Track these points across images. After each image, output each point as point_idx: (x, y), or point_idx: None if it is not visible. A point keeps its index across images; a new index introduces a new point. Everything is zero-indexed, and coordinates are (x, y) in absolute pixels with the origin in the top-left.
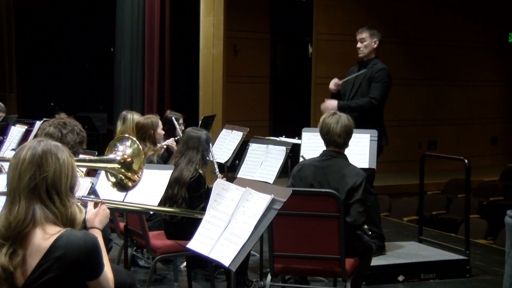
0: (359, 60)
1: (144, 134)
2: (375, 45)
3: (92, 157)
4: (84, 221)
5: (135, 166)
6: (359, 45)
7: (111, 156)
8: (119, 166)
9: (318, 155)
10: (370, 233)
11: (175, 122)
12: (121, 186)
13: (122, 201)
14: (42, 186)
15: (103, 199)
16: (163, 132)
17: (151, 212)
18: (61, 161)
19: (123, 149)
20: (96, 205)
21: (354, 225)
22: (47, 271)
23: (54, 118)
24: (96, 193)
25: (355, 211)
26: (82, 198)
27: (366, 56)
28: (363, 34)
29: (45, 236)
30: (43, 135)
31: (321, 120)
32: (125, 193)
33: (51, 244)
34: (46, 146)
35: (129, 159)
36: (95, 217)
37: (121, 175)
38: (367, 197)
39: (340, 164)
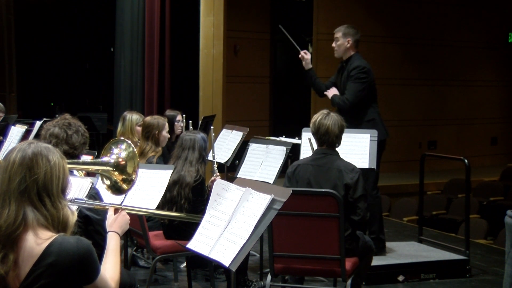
0: (340, 60)
1: (148, 133)
2: (348, 45)
3: (86, 160)
4: (76, 224)
5: (129, 169)
6: (333, 44)
7: (105, 159)
8: (113, 169)
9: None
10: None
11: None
12: (116, 189)
13: (141, 207)
14: (32, 189)
15: (123, 205)
16: (168, 136)
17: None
18: (52, 163)
19: (118, 152)
20: (116, 211)
21: (362, 222)
22: (40, 277)
23: (58, 119)
24: (100, 197)
25: (361, 209)
26: (104, 204)
27: (343, 55)
28: (337, 34)
29: (37, 241)
30: (48, 135)
31: (316, 120)
32: (121, 195)
33: (43, 250)
34: (37, 148)
35: (123, 162)
36: (114, 222)
37: (115, 178)
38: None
39: (335, 160)
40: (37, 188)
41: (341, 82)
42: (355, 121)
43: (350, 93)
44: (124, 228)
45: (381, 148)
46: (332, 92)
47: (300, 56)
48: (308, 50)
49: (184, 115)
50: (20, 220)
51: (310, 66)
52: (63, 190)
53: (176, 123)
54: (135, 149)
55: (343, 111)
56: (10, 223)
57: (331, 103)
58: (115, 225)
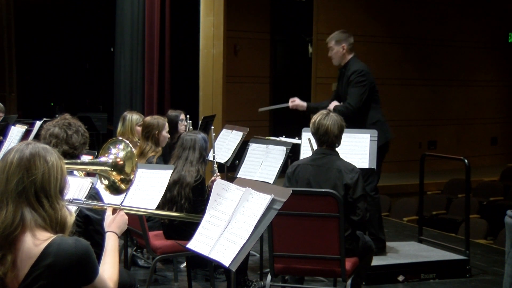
0: (338, 67)
1: (148, 133)
2: (344, 51)
3: (84, 160)
4: (75, 224)
5: (127, 169)
6: (329, 54)
7: (103, 159)
8: (111, 169)
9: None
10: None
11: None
12: (114, 189)
13: (140, 207)
14: (30, 190)
15: (122, 206)
16: (168, 136)
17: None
18: (49, 164)
19: (116, 152)
20: (114, 211)
21: (362, 222)
22: (39, 278)
23: (58, 119)
24: (100, 197)
25: (360, 209)
26: (102, 204)
27: (340, 61)
28: (330, 43)
29: (35, 242)
30: (48, 135)
31: (315, 121)
32: (119, 195)
33: (41, 251)
34: (34, 148)
35: (121, 162)
36: (112, 222)
37: (113, 178)
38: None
39: (335, 160)
40: (35, 189)
41: (342, 89)
42: (359, 125)
43: (352, 98)
44: (122, 228)
45: (385, 150)
46: (332, 106)
47: (291, 107)
48: (308, 50)
49: (188, 116)
50: (18, 221)
51: (305, 104)
52: (61, 190)
53: (179, 122)
54: (133, 149)
55: (347, 117)
56: (8, 224)
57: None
58: (113, 225)
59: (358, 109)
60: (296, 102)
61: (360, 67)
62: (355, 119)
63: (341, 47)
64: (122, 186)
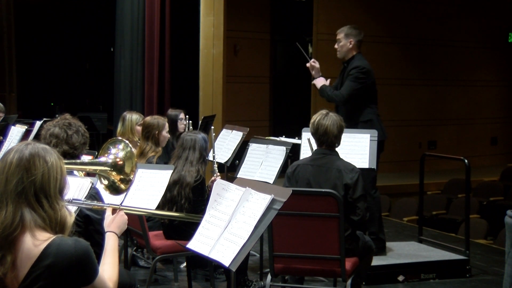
0: (342, 61)
1: (148, 133)
2: (351, 45)
3: (84, 160)
4: (75, 224)
5: (127, 169)
6: (335, 45)
7: (103, 159)
8: (111, 169)
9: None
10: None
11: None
12: (114, 189)
13: (140, 207)
14: (30, 190)
15: (121, 206)
16: (168, 136)
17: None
18: (49, 164)
19: (116, 152)
20: (114, 211)
21: (362, 222)
22: (38, 279)
23: (59, 119)
24: (100, 197)
25: (360, 209)
26: (102, 204)
27: (345, 55)
28: (339, 35)
29: (35, 243)
30: (48, 135)
31: (315, 121)
32: (119, 195)
33: (41, 251)
34: (34, 149)
35: (120, 162)
36: (112, 222)
37: (113, 178)
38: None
39: (335, 160)
40: (34, 189)
41: (342, 83)
42: (351, 121)
43: (345, 89)
44: (122, 228)
45: (379, 149)
46: (320, 81)
47: (308, 65)
48: (308, 50)
49: (187, 116)
50: (17, 222)
51: (320, 74)
52: (61, 191)
53: (179, 121)
54: (133, 149)
55: (339, 110)
56: (8, 225)
57: (319, 93)
58: (113, 225)
59: (347, 101)
60: (316, 65)
61: (363, 64)
62: (348, 115)
63: (349, 42)
64: (122, 186)
